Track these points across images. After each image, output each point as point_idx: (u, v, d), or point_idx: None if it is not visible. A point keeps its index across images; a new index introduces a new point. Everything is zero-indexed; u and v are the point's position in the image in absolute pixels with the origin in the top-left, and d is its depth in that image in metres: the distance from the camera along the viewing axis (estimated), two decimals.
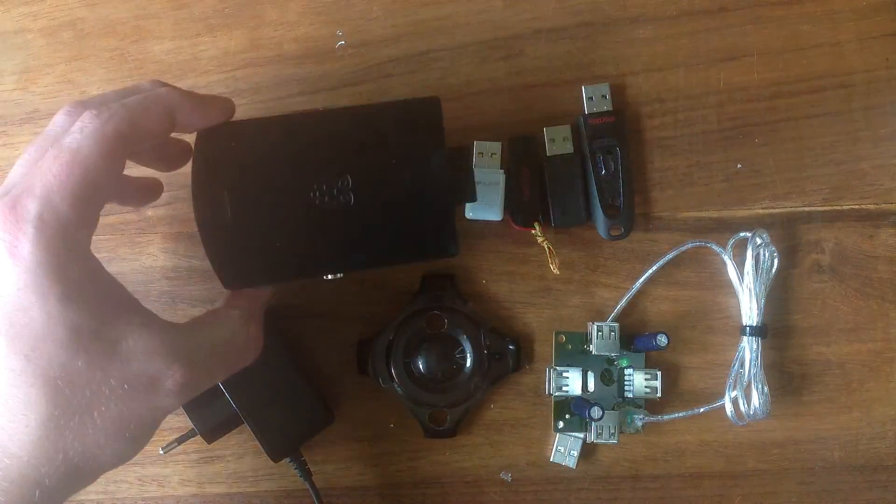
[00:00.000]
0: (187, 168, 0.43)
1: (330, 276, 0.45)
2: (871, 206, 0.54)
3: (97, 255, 0.38)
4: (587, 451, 0.53)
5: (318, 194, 0.42)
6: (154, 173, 0.48)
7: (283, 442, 0.49)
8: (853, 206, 0.54)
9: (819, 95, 0.54)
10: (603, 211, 0.52)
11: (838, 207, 0.54)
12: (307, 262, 0.44)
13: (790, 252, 0.54)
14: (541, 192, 0.52)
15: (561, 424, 0.53)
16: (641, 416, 0.52)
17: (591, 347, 0.52)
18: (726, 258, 0.52)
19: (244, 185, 0.43)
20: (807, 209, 0.54)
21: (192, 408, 0.49)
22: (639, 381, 0.52)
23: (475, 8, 0.53)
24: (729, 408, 0.50)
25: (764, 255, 0.51)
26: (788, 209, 0.54)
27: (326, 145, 0.43)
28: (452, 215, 0.44)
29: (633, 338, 0.52)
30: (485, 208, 0.52)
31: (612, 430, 0.51)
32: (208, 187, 0.42)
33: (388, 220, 0.43)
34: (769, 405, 0.50)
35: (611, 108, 0.52)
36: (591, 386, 0.52)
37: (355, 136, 0.43)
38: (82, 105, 0.39)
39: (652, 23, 0.53)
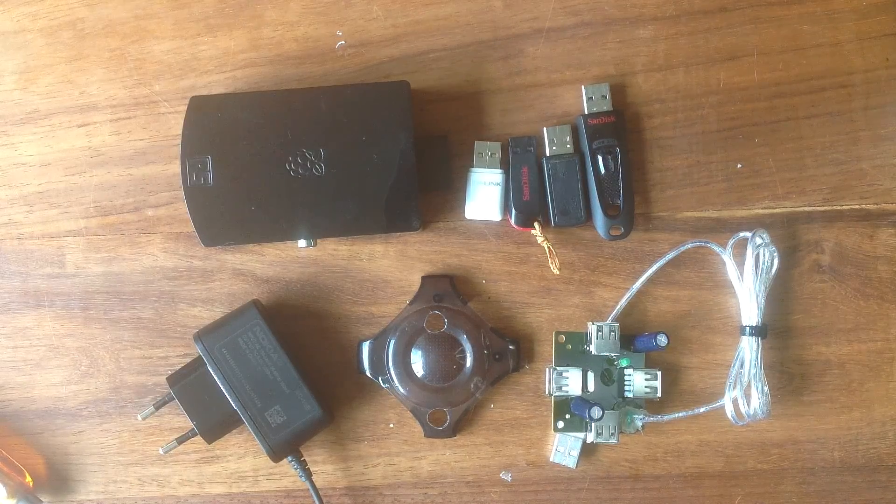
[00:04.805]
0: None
1: (303, 244, 0.50)
2: (871, 206, 0.54)
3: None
4: (587, 451, 0.53)
5: (292, 164, 0.48)
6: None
7: (283, 442, 0.49)
8: (853, 206, 0.54)
9: (819, 95, 0.54)
10: (603, 211, 0.52)
11: (838, 207, 0.54)
12: (280, 226, 0.50)
13: (790, 252, 0.54)
14: (541, 192, 0.52)
15: (561, 424, 0.53)
16: (641, 416, 0.52)
17: (591, 347, 0.52)
18: (726, 258, 0.52)
19: (227, 152, 0.49)
20: (807, 209, 0.54)
21: (192, 408, 0.49)
22: (639, 381, 0.52)
23: (475, 8, 0.53)
24: (729, 408, 0.50)
25: (764, 255, 0.51)
26: (788, 209, 0.54)
27: (303, 120, 0.49)
28: (416, 192, 0.49)
29: (633, 338, 0.52)
30: (485, 208, 0.52)
31: (612, 430, 0.51)
32: (194, 152, 0.48)
33: (356, 192, 0.49)
34: (769, 405, 0.50)
35: (611, 108, 0.52)
36: (591, 386, 0.52)
37: (330, 114, 0.49)
38: None
39: (652, 23, 0.53)
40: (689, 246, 0.52)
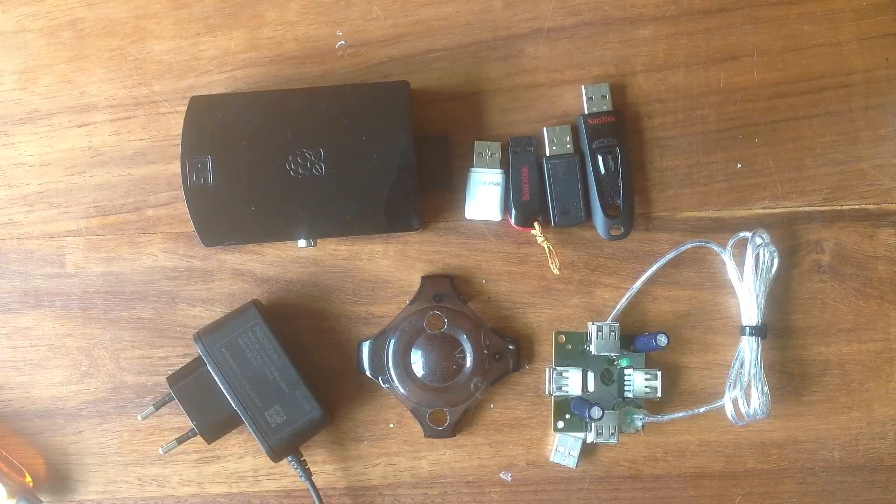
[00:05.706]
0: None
1: (303, 244, 0.50)
2: (871, 206, 0.54)
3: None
4: (587, 451, 0.53)
5: (292, 164, 0.48)
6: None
7: (283, 442, 0.49)
8: (853, 206, 0.54)
9: (819, 95, 0.54)
10: (603, 211, 0.52)
11: (838, 207, 0.54)
12: (280, 226, 0.50)
13: (790, 252, 0.54)
14: (541, 192, 0.52)
15: (561, 424, 0.53)
16: (641, 416, 0.52)
17: (591, 347, 0.52)
18: (726, 258, 0.52)
19: (227, 152, 0.49)
20: (807, 209, 0.54)
21: (192, 408, 0.49)
22: (639, 381, 0.52)
23: (475, 8, 0.53)
24: (729, 408, 0.50)
25: (764, 255, 0.51)
26: (788, 209, 0.54)
27: (303, 120, 0.49)
28: (416, 192, 0.49)
29: (633, 338, 0.52)
30: (485, 208, 0.52)
31: (612, 430, 0.51)
32: (194, 152, 0.48)
33: (356, 192, 0.49)
34: (769, 405, 0.50)
35: (611, 108, 0.52)
36: (591, 386, 0.52)
37: (329, 114, 0.49)
38: None
39: (652, 23, 0.53)
40: (689, 246, 0.52)
